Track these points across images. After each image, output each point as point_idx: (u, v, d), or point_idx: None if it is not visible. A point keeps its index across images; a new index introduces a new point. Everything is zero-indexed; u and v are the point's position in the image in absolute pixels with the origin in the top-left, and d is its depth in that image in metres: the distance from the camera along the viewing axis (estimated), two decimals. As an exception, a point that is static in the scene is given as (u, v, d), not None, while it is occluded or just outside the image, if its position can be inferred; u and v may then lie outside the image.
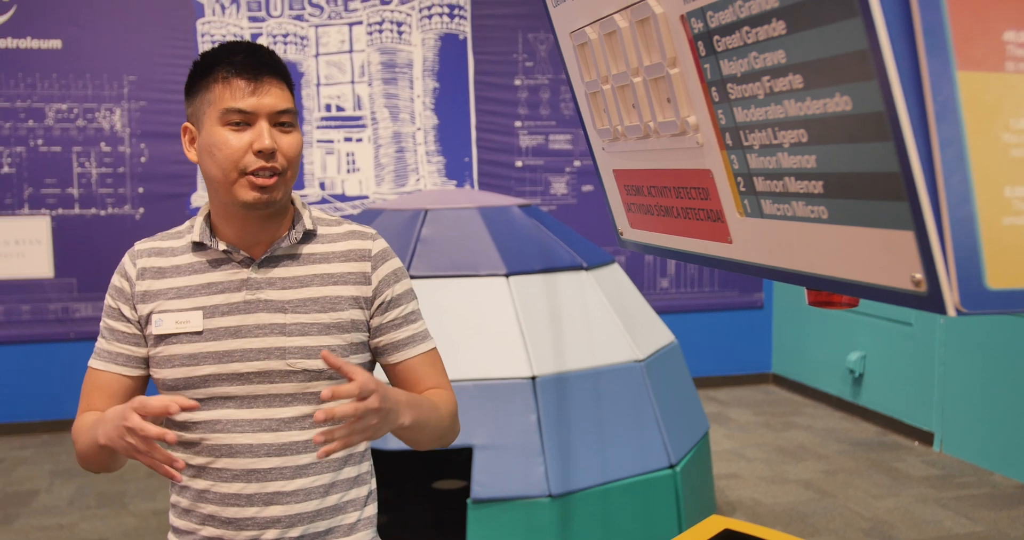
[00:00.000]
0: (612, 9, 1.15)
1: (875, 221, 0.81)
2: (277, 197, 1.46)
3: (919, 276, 0.78)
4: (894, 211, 0.78)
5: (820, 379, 6.40)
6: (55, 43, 5.77)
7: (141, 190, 5.93)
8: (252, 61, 1.44)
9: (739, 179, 1.01)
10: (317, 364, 1.48)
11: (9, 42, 5.71)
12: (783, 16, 0.85)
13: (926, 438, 5.30)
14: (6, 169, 5.75)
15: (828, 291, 0.92)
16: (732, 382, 6.91)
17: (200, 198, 5.96)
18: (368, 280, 1.54)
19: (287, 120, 1.47)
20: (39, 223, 5.80)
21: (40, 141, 5.79)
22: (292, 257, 1.53)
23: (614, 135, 1.28)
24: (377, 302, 1.54)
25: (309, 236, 1.56)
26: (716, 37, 0.96)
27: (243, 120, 1.44)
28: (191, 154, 1.52)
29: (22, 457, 5.35)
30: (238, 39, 1.53)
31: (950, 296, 0.75)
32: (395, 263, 1.59)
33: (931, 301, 0.77)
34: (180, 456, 1.52)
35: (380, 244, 1.59)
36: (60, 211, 5.83)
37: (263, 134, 1.43)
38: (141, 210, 5.93)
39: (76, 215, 5.85)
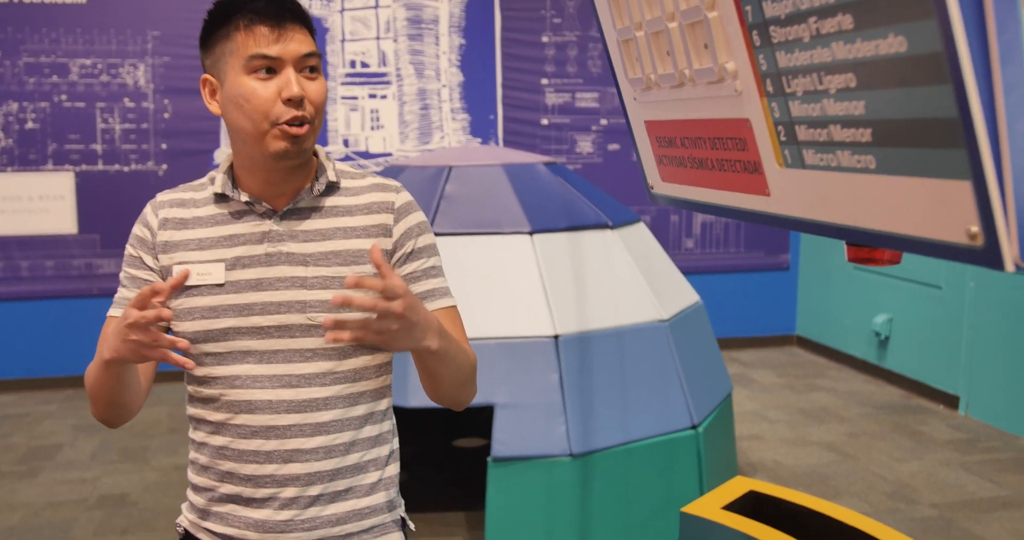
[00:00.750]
0: (647, -50, 1.10)
1: (928, 170, 0.77)
2: (308, 146, 1.44)
3: (975, 229, 0.73)
4: (950, 159, 0.73)
5: (845, 341, 6.34)
6: (78, -3, 5.73)
7: (164, 146, 5.91)
8: (275, 7, 1.40)
9: (779, 128, 0.97)
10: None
11: (32, -5, 5.67)
12: (834, -49, 0.79)
13: (951, 402, 5.25)
14: (30, 124, 5.74)
15: (874, 246, 0.87)
16: (756, 343, 6.87)
17: (223, 154, 5.93)
18: (389, 232, 1.51)
19: (313, 64, 1.43)
20: (63, 179, 5.80)
21: (64, 96, 5.77)
22: (315, 209, 1.49)
23: (647, 84, 1.23)
24: (397, 255, 1.51)
25: (332, 188, 1.52)
26: (759, -24, 0.90)
27: (270, 66, 1.39)
28: (213, 107, 1.48)
29: (46, 412, 5.40)
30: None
31: (1009, 250, 0.71)
32: (418, 217, 1.55)
33: (988, 256, 0.73)
34: (199, 412, 1.50)
35: (404, 197, 1.55)
36: (84, 167, 5.82)
37: (291, 81, 1.39)
38: (164, 166, 5.92)
39: (100, 171, 5.84)
